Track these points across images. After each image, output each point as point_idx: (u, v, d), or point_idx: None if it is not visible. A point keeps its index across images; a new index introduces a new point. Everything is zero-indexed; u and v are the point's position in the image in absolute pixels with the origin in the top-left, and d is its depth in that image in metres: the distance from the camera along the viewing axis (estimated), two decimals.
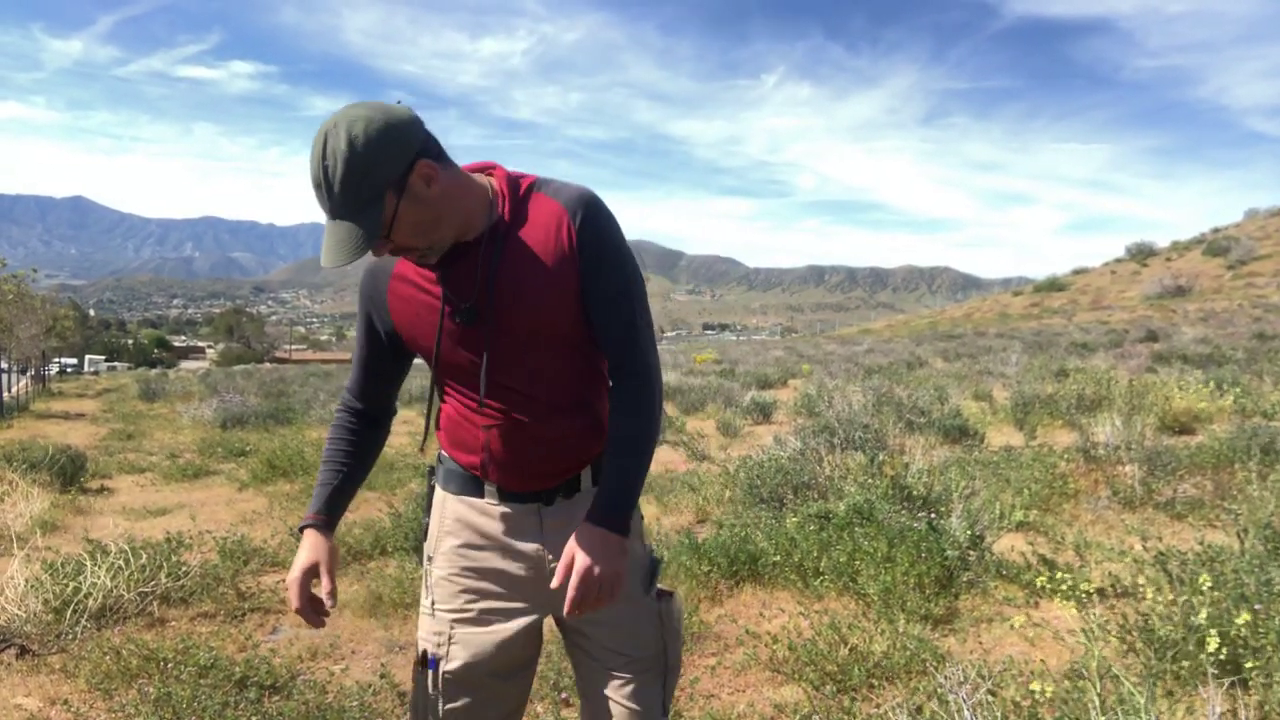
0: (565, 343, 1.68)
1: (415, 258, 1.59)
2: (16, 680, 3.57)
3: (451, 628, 1.75)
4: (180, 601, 4.53)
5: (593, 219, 1.62)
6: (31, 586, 4.11)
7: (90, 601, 4.10)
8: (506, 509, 1.74)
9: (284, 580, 5.03)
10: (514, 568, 1.75)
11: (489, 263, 1.60)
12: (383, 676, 3.38)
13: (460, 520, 1.77)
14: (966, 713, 2.44)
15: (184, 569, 4.65)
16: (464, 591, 1.76)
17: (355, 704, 3.14)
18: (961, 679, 2.62)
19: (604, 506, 1.63)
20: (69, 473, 8.42)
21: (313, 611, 1.70)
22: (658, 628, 1.78)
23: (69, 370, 55.06)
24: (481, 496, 1.75)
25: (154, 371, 46.36)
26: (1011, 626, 3.85)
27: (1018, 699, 2.74)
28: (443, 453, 1.82)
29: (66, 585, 4.13)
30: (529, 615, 1.75)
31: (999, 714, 2.54)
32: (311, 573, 1.70)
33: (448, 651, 1.74)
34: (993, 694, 2.67)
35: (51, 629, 3.94)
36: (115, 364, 77.39)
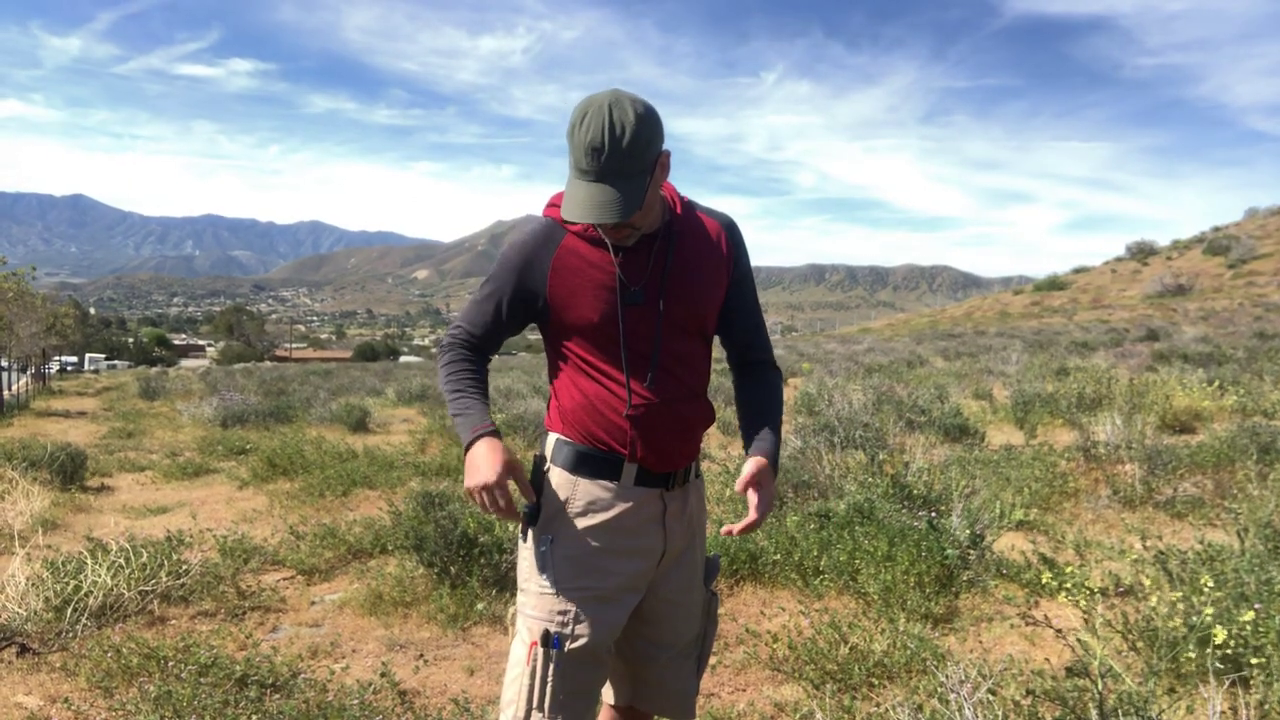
0: (705, 334, 1.95)
1: (625, 236, 1.77)
2: (17, 678, 3.57)
3: (579, 606, 1.81)
4: (181, 600, 4.53)
5: (741, 237, 1.99)
6: (32, 584, 4.12)
7: (91, 600, 4.10)
8: (637, 492, 1.86)
9: (284, 579, 5.04)
10: (639, 548, 1.87)
11: (665, 254, 1.84)
12: (383, 675, 3.38)
13: (594, 502, 1.85)
14: (967, 711, 2.44)
15: (184, 567, 4.65)
16: (594, 570, 1.83)
17: (356, 702, 3.14)
18: (962, 678, 2.62)
19: (774, 452, 1.96)
20: (69, 471, 8.41)
21: (511, 511, 1.78)
22: (703, 618, 2.03)
23: (69, 368, 55.03)
24: (616, 479, 1.85)
25: (154, 370, 46.34)
26: (1012, 625, 3.86)
27: (1018, 698, 2.75)
28: (562, 436, 1.89)
29: (67, 583, 4.13)
30: (639, 594, 1.90)
31: (1000, 713, 2.54)
32: (508, 477, 1.77)
33: (573, 630, 1.80)
34: (993, 693, 2.67)
35: (52, 627, 3.94)
36: (115, 362, 77.32)
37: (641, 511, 1.87)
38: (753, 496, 1.89)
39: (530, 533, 1.88)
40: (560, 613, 1.81)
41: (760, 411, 2.01)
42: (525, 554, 1.90)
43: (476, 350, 1.93)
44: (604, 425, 1.84)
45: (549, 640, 1.79)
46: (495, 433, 1.82)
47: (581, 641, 1.80)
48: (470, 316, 1.92)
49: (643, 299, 1.82)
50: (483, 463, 1.76)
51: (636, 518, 1.86)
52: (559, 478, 1.88)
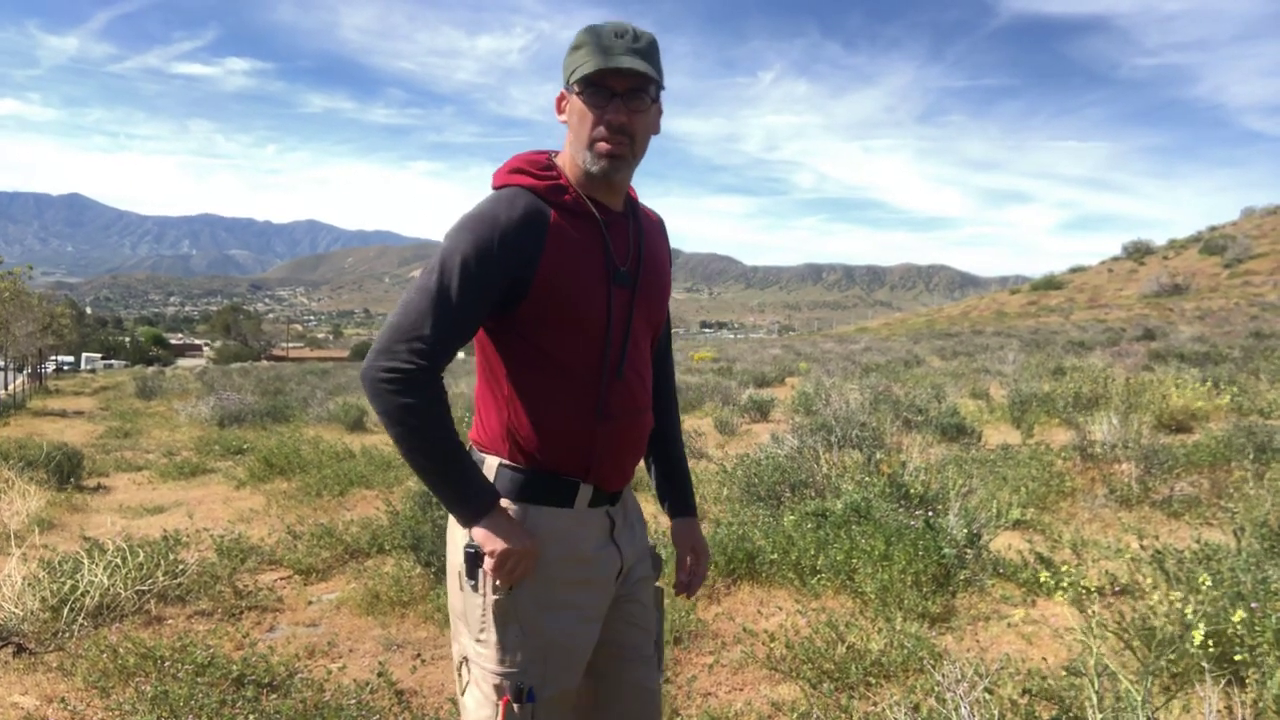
0: (658, 333, 1.85)
1: (625, 150, 1.59)
2: (14, 678, 3.57)
3: (549, 650, 1.62)
4: (177, 599, 4.52)
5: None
6: (29, 584, 4.11)
7: (87, 599, 4.09)
8: (588, 515, 1.68)
9: (281, 578, 5.04)
10: (597, 577, 1.70)
11: (638, 235, 1.72)
12: (380, 675, 3.37)
13: (550, 534, 1.63)
14: (964, 710, 2.44)
15: (181, 567, 4.65)
16: (559, 607, 1.63)
17: (353, 702, 3.14)
18: (959, 677, 2.62)
19: (692, 501, 1.97)
20: (66, 471, 8.41)
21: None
22: (656, 613, 1.88)
23: (66, 368, 54.96)
24: (570, 504, 1.65)
25: (151, 369, 46.28)
26: (1009, 624, 3.87)
27: (1015, 697, 2.75)
28: (505, 460, 1.65)
29: (63, 583, 4.13)
30: (601, 622, 1.72)
31: (996, 712, 2.55)
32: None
33: (545, 676, 1.61)
34: (990, 692, 2.68)
35: (49, 627, 3.93)
36: (112, 362, 77.21)
37: (594, 535, 1.69)
38: (696, 556, 1.94)
39: (481, 576, 1.61)
40: (530, 661, 1.61)
41: (676, 452, 1.97)
42: (475, 601, 1.63)
43: (441, 371, 1.55)
44: (562, 440, 1.63)
45: (522, 694, 1.59)
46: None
47: (556, 688, 1.63)
48: (437, 320, 1.51)
49: (629, 281, 1.67)
50: (515, 530, 1.58)
51: (591, 543, 1.68)
52: (509, 510, 1.63)
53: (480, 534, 1.56)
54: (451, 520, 1.69)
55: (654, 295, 1.74)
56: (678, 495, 1.96)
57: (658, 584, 1.91)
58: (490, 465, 1.66)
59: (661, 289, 1.77)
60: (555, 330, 1.60)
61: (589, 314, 1.61)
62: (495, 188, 1.65)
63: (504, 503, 1.62)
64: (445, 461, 1.55)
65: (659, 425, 1.90)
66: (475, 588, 1.62)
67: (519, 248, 1.55)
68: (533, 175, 1.63)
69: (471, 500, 1.56)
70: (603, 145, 1.57)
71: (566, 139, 1.65)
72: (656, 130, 1.68)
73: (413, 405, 1.50)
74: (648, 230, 1.76)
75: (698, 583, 1.96)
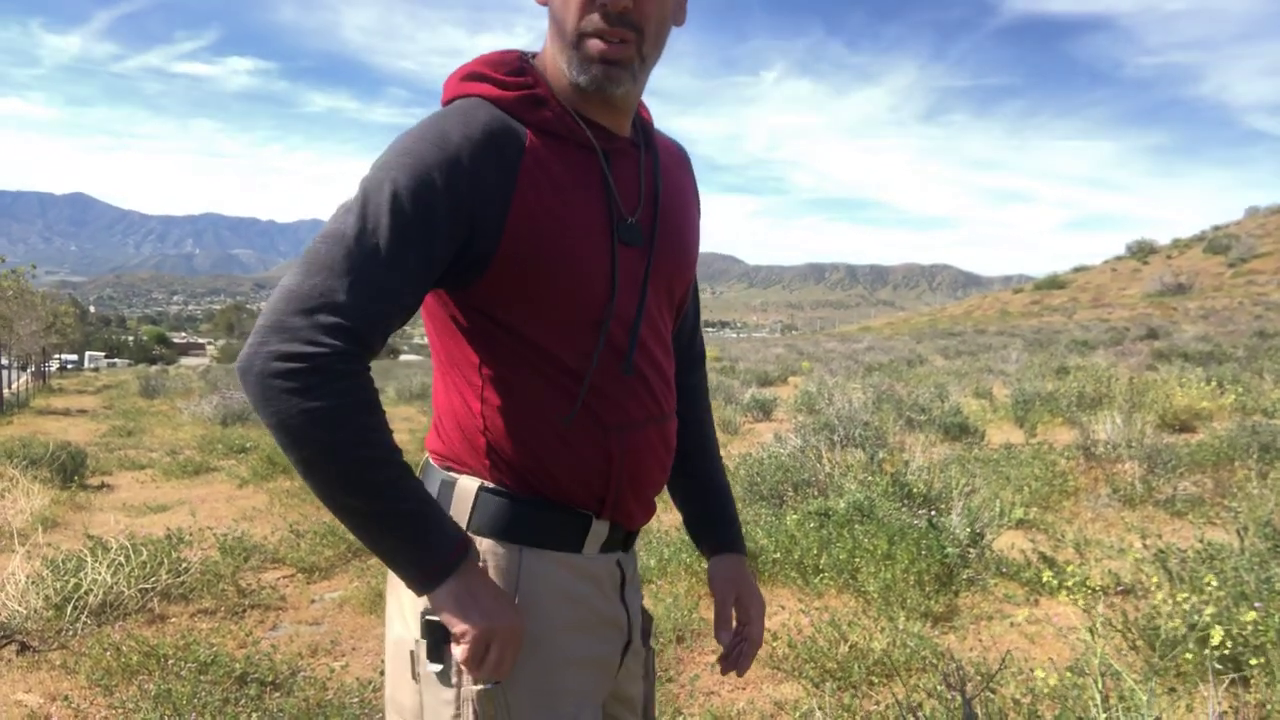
0: (681, 308, 1.36)
1: (628, 52, 1.09)
2: (17, 676, 3.57)
3: None
4: (181, 598, 4.53)
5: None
6: (32, 583, 4.12)
7: (91, 598, 4.10)
8: (598, 564, 1.20)
9: (284, 577, 5.04)
10: (603, 653, 1.22)
11: (653, 172, 1.21)
12: (383, 673, 3.38)
13: (555, 594, 1.15)
14: (967, 710, 2.43)
15: (184, 565, 4.66)
16: (561, 696, 1.14)
17: (355, 700, 3.14)
18: (962, 676, 2.62)
19: (739, 532, 1.42)
20: (69, 469, 8.42)
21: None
22: (644, 681, 1.34)
23: (69, 367, 55.10)
24: (579, 548, 1.17)
25: (154, 368, 46.37)
26: (1012, 624, 3.86)
27: (1018, 696, 2.75)
28: (489, 483, 1.15)
29: (67, 582, 4.13)
30: (601, 700, 1.23)
31: (999, 710, 2.54)
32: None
33: None
34: (993, 691, 2.67)
35: (52, 625, 3.94)
36: (115, 360, 77.45)
37: (604, 592, 1.21)
38: (745, 612, 1.37)
39: (453, 661, 1.08)
40: None
41: (713, 467, 1.44)
42: (443, 698, 1.09)
43: (367, 358, 1.01)
44: (562, 458, 1.14)
45: None
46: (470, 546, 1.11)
47: None
48: (358, 281, 0.98)
49: (640, 238, 1.17)
50: (496, 597, 1.07)
51: (599, 604, 1.20)
52: (492, 555, 1.13)
53: (444, 604, 1.04)
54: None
55: (676, 256, 1.23)
56: (718, 526, 1.41)
57: (649, 644, 1.37)
58: (465, 489, 1.15)
59: (686, 248, 1.26)
60: (537, 307, 1.10)
61: (585, 284, 1.11)
62: (444, 102, 1.14)
63: (485, 544, 1.13)
64: (382, 497, 1.00)
65: (688, 432, 1.38)
66: (444, 678, 1.09)
67: (477, 183, 1.04)
68: (496, 83, 1.12)
69: (430, 553, 1.03)
70: (594, 44, 1.07)
71: (548, 33, 1.16)
72: (680, 20, 1.18)
73: (322, 410, 0.95)
74: (666, 166, 1.26)
75: (749, 655, 1.35)
